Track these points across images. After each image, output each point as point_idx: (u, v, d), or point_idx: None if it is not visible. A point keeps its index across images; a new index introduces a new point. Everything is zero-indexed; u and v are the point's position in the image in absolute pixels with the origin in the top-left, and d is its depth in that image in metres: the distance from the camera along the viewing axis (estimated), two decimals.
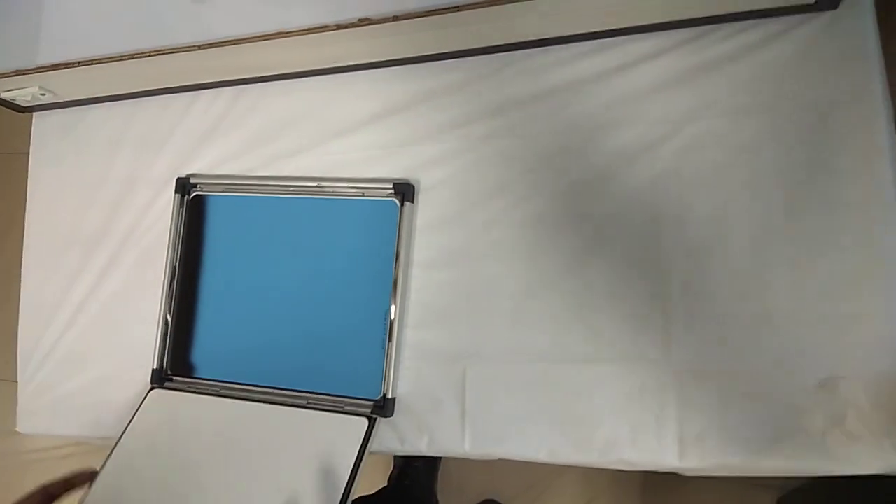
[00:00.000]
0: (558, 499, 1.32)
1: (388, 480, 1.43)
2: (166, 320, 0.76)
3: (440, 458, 1.23)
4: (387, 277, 0.69)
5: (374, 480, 1.40)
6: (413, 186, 0.71)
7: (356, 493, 0.62)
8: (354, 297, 0.72)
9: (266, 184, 0.75)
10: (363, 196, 0.72)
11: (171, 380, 0.76)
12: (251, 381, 0.73)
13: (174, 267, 0.77)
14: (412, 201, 0.71)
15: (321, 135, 0.77)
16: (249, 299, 0.76)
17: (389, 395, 0.67)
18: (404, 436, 0.68)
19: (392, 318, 0.68)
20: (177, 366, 0.77)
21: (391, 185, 0.71)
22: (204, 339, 0.77)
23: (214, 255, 0.78)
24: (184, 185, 0.78)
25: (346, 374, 0.70)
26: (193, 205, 0.78)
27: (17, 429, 0.85)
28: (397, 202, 0.70)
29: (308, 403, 0.70)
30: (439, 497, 1.31)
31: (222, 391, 0.73)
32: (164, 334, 0.77)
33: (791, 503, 1.16)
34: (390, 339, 0.68)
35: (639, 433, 0.62)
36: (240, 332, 0.76)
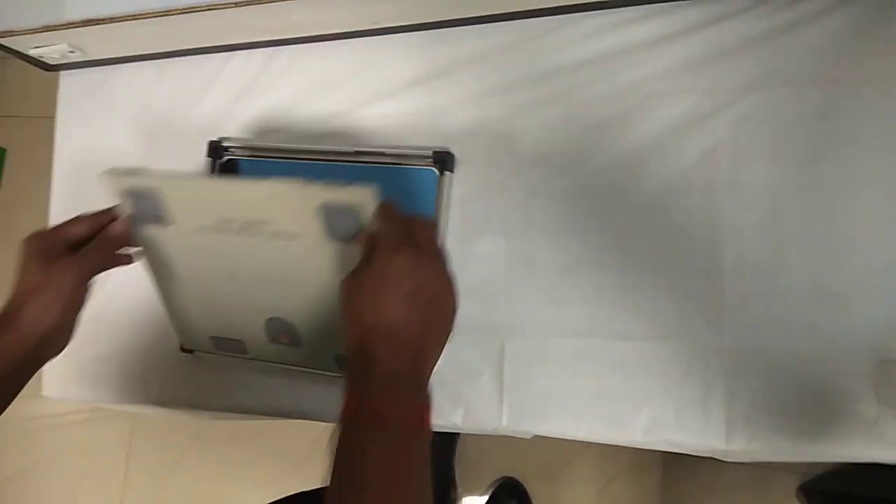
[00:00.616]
0: (577, 477, 1.31)
1: None
2: None
3: (458, 434, 1.22)
4: None
5: None
6: (453, 155, 0.68)
7: None
8: None
9: (301, 149, 0.73)
10: (401, 165, 0.70)
11: None
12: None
13: None
14: (451, 171, 0.69)
15: (358, 99, 0.74)
16: None
17: None
18: (440, 408, 0.67)
19: None
20: None
21: (430, 154, 0.68)
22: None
23: None
24: (216, 149, 0.76)
25: None
26: (225, 169, 0.76)
27: (43, 392, 0.84)
28: (436, 171, 0.68)
29: None
30: (456, 473, 1.30)
31: None
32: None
33: (813, 488, 1.15)
34: None
35: (684, 414, 0.61)
36: None
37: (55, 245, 0.57)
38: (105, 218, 0.60)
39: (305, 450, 1.60)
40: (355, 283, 0.48)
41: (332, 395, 0.68)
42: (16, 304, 0.55)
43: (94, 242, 0.59)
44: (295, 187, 0.55)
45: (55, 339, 0.58)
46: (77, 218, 0.60)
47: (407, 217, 0.51)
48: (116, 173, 0.61)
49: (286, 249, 0.59)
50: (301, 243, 0.58)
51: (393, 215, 0.51)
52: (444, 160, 0.68)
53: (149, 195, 0.60)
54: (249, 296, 0.63)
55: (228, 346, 0.69)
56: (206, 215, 0.60)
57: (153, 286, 0.67)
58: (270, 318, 0.64)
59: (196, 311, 0.68)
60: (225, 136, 0.76)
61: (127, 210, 0.61)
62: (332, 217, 0.55)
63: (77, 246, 0.58)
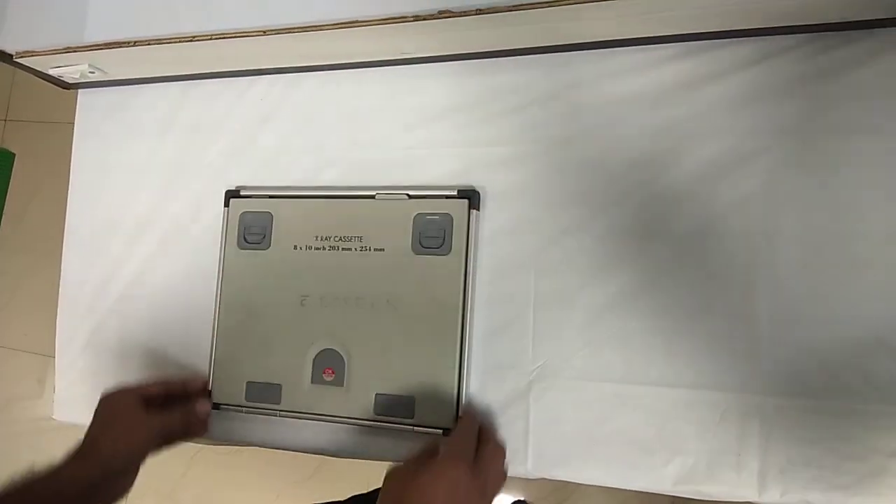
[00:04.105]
0: (589, 501, 1.30)
1: None
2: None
3: None
4: None
5: None
6: (479, 193, 0.67)
7: None
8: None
9: (319, 194, 0.72)
10: (425, 201, 0.68)
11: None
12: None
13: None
14: (478, 209, 0.67)
15: (384, 129, 0.73)
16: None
17: None
18: None
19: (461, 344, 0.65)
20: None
21: (455, 192, 0.67)
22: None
23: None
24: (233, 199, 0.74)
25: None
26: None
27: (54, 416, 0.83)
28: (462, 209, 0.67)
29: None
30: None
31: None
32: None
33: None
34: (461, 365, 0.64)
35: (717, 464, 0.59)
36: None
37: (138, 399, 0.65)
38: (181, 385, 0.71)
39: (313, 465, 1.59)
40: (405, 473, 0.52)
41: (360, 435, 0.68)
42: (95, 438, 0.62)
43: (181, 413, 0.68)
44: (400, 199, 0.67)
45: (122, 477, 0.63)
46: (159, 382, 0.69)
47: (483, 434, 0.59)
48: (241, 198, 0.73)
49: (370, 264, 0.68)
50: (386, 257, 0.67)
51: (471, 427, 0.60)
52: (469, 197, 0.66)
53: (260, 219, 0.72)
54: (313, 321, 0.69)
55: (262, 395, 0.70)
56: (305, 235, 0.70)
57: (215, 325, 0.72)
58: (322, 351, 0.68)
59: (246, 351, 0.71)
60: (242, 184, 0.76)
61: (231, 236, 0.72)
62: (423, 227, 0.66)
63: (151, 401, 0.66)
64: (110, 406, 0.64)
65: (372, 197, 0.69)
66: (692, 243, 0.62)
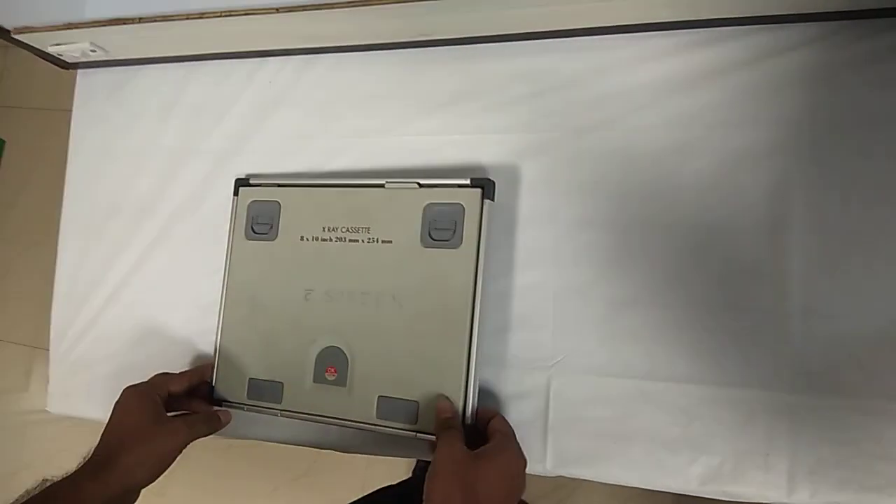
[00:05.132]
0: (589, 500, 1.28)
1: (413, 472, 1.39)
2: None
3: None
4: None
5: (397, 472, 1.36)
6: (493, 183, 0.62)
7: None
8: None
9: (329, 182, 0.68)
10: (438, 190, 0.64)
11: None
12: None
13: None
14: (492, 199, 0.63)
15: (398, 114, 0.70)
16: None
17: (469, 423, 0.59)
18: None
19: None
20: None
21: (468, 181, 0.62)
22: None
23: None
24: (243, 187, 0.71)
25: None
26: None
27: (48, 409, 0.80)
28: (475, 199, 0.62)
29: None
30: None
31: None
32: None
33: None
34: (468, 369, 0.59)
35: (744, 464, 0.57)
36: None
37: (160, 406, 0.62)
38: (200, 376, 0.68)
39: (306, 463, 1.56)
40: (475, 459, 0.53)
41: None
42: (115, 449, 0.58)
43: (205, 419, 0.65)
44: (410, 188, 0.63)
45: (139, 489, 0.60)
46: (180, 375, 0.66)
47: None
48: (251, 187, 0.69)
49: (376, 257, 0.64)
50: (393, 250, 0.63)
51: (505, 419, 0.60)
52: (483, 187, 0.61)
53: (268, 208, 0.68)
54: (317, 316, 0.65)
55: (264, 394, 0.67)
56: (312, 225, 0.66)
57: (219, 319, 0.69)
58: (325, 349, 0.64)
59: (250, 346, 0.68)
60: (252, 173, 0.73)
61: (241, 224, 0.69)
62: (433, 218, 0.62)
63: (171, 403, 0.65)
64: (132, 416, 0.61)
65: (382, 185, 0.65)
66: (719, 235, 0.60)
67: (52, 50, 0.74)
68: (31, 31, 0.70)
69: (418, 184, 0.63)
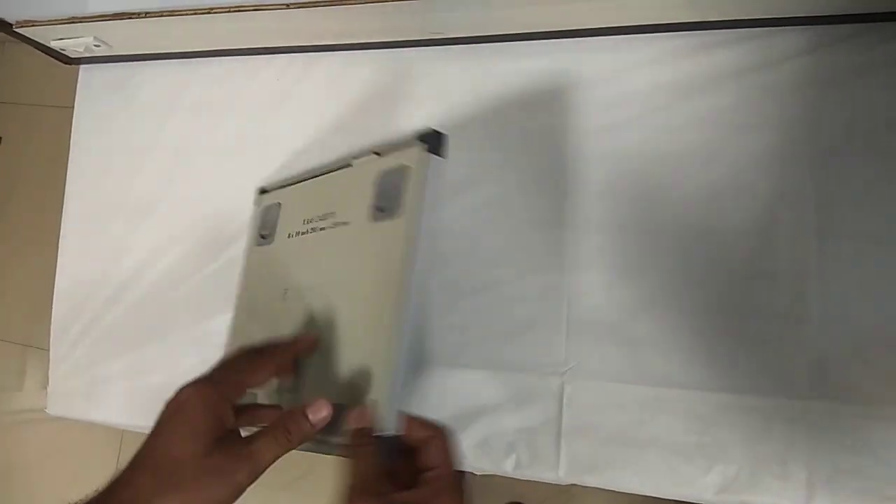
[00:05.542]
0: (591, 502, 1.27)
1: None
2: None
3: None
4: None
5: None
6: (443, 136, 0.50)
7: None
8: None
9: (310, 175, 0.64)
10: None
11: None
12: None
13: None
14: (440, 154, 0.50)
15: (405, 112, 0.69)
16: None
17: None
18: (489, 452, 0.62)
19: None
20: None
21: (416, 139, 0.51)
22: None
23: None
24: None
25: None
26: None
27: (48, 411, 0.78)
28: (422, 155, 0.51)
29: None
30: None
31: None
32: None
33: None
34: (396, 361, 0.46)
35: (762, 473, 0.56)
36: None
37: (230, 411, 0.43)
38: (289, 354, 0.51)
39: (300, 469, 1.54)
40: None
41: None
42: (145, 492, 0.38)
43: (283, 432, 0.44)
44: (370, 161, 0.56)
45: None
46: (262, 356, 0.48)
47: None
48: (266, 193, 0.68)
49: (339, 241, 0.56)
50: (349, 231, 0.55)
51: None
52: (427, 141, 0.50)
53: (273, 211, 0.66)
54: (291, 317, 0.57)
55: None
56: (296, 221, 0.62)
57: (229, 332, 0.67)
58: None
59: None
60: (253, 168, 0.72)
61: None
62: (381, 187, 0.53)
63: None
64: (182, 442, 0.40)
65: (350, 165, 0.58)
66: (738, 240, 0.59)
67: (55, 45, 0.73)
68: (35, 25, 0.69)
69: (377, 154, 0.55)
